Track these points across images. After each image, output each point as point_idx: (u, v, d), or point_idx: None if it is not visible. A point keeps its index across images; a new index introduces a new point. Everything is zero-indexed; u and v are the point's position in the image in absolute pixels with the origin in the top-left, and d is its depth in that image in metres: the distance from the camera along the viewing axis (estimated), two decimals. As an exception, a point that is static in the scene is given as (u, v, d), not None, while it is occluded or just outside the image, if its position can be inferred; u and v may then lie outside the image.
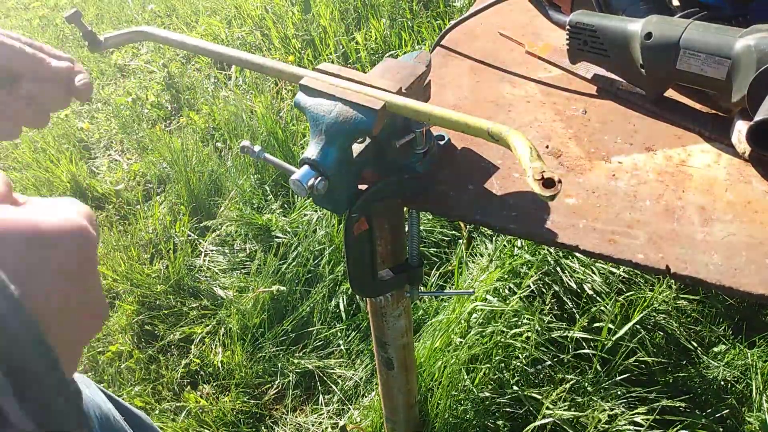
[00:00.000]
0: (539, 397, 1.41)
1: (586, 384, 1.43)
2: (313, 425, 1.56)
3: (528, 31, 0.96)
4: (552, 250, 1.64)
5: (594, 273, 1.62)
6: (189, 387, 1.71)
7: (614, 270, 1.64)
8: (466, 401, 1.41)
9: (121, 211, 2.32)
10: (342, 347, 1.70)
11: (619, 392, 1.43)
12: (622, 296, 1.55)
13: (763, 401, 1.40)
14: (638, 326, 1.52)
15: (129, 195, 2.37)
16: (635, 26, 0.73)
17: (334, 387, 1.62)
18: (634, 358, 1.47)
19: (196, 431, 1.58)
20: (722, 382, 1.48)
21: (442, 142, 0.74)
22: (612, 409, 1.40)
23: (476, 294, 1.54)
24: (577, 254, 1.20)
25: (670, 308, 1.61)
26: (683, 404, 1.41)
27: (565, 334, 1.50)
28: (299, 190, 0.59)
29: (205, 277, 1.96)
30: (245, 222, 2.03)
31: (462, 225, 1.85)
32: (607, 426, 1.36)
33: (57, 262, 0.30)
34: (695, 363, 1.53)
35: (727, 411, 1.42)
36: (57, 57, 0.63)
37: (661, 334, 1.57)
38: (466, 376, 1.43)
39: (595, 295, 1.58)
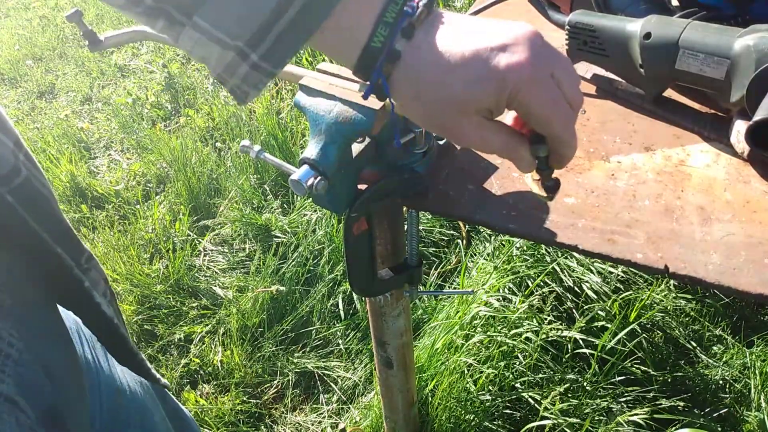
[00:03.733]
0: (538, 397, 1.42)
1: (585, 384, 1.43)
2: (312, 424, 1.56)
3: (527, 31, 0.96)
4: (551, 249, 1.65)
5: (593, 273, 1.63)
6: (189, 386, 1.71)
7: (613, 270, 1.64)
8: (466, 402, 1.41)
9: (120, 210, 2.32)
10: (341, 347, 1.70)
11: (617, 392, 1.44)
12: (621, 296, 1.55)
13: (762, 400, 1.40)
14: (636, 326, 1.52)
15: (129, 195, 2.37)
16: (634, 26, 0.73)
17: (333, 386, 1.62)
18: (632, 358, 1.47)
19: (196, 431, 1.58)
20: (721, 382, 1.48)
21: (441, 142, 0.74)
22: (611, 409, 1.41)
23: (476, 296, 1.54)
24: (576, 254, 1.20)
25: (668, 308, 1.61)
26: (682, 403, 1.41)
27: (563, 334, 1.50)
28: (299, 189, 0.59)
29: (205, 276, 1.97)
30: (245, 222, 2.04)
31: (461, 225, 1.85)
32: (605, 425, 1.37)
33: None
34: (694, 362, 1.53)
35: (726, 410, 1.42)
36: None
37: (660, 333, 1.58)
38: (467, 379, 1.43)
39: (593, 295, 1.58)
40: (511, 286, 1.60)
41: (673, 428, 1.34)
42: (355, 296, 1.77)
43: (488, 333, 1.48)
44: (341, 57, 0.45)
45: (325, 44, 0.45)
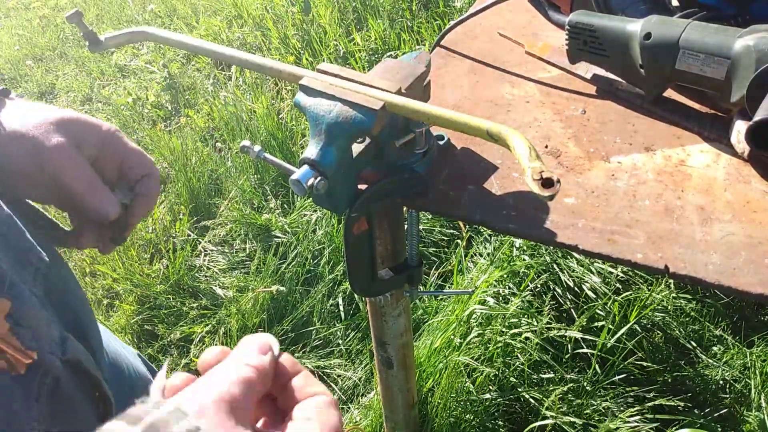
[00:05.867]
0: (539, 397, 1.42)
1: (585, 384, 1.43)
2: (312, 425, 1.56)
3: (527, 31, 0.96)
4: (551, 249, 1.65)
5: (592, 273, 1.63)
6: (189, 387, 1.71)
7: (612, 270, 1.64)
8: (466, 402, 1.41)
9: (120, 210, 2.32)
10: (341, 347, 1.70)
11: (617, 392, 1.44)
12: (621, 296, 1.55)
13: (762, 400, 1.40)
14: (636, 326, 1.52)
15: (129, 195, 2.37)
16: (634, 26, 0.73)
17: (333, 386, 1.62)
18: (632, 358, 1.47)
19: (196, 431, 1.58)
20: (721, 382, 1.48)
21: (441, 142, 0.74)
22: (611, 409, 1.41)
23: (475, 295, 1.54)
24: (576, 254, 1.21)
25: (668, 308, 1.61)
26: (682, 404, 1.41)
27: (563, 334, 1.50)
28: (299, 189, 0.59)
29: (205, 276, 1.97)
30: (245, 222, 2.04)
31: (461, 225, 1.85)
32: (606, 425, 1.37)
33: None
34: (694, 362, 1.53)
35: (726, 410, 1.42)
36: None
37: (660, 333, 1.58)
38: (466, 378, 1.43)
39: (593, 295, 1.58)
40: (511, 285, 1.60)
41: (673, 428, 1.34)
42: (355, 296, 1.77)
43: (486, 331, 1.48)
44: None
45: None
